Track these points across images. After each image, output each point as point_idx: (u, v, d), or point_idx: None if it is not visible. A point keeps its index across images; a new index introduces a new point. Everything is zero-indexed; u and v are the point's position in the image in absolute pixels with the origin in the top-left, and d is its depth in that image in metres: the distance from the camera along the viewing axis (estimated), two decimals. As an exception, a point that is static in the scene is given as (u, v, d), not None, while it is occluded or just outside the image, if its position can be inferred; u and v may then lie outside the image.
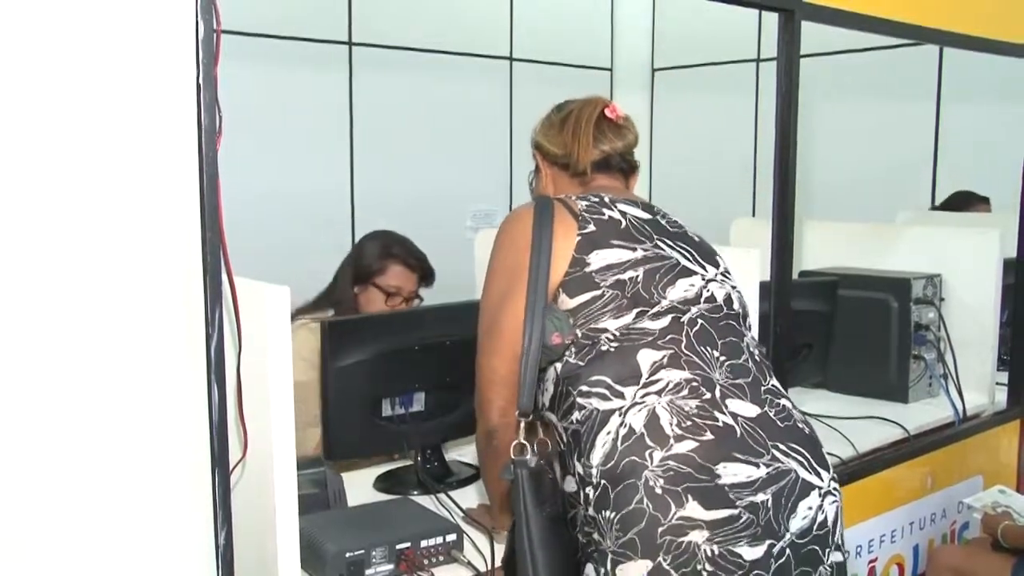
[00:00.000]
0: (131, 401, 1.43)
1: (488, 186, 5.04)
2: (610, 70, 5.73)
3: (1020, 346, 3.34)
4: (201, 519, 1.50)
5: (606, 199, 1.82)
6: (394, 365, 2.26)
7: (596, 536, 1.57)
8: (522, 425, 1.71)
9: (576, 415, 1.65)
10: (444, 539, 1.88)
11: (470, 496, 2.23)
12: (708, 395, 1.63)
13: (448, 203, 4.76)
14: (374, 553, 1.80)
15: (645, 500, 1.52)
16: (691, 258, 1.80)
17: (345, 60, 4.59)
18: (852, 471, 2.64)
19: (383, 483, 2.37)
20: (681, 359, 1.65)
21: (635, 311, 1.69)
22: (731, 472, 1.55)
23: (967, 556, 2.74)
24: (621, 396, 1.62)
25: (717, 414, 1.61)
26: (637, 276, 1.71)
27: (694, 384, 1.63)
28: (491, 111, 5.12)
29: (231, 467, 1.52)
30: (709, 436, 1.57)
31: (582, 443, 1.62)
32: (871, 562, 2.75)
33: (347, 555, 1.77)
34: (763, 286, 2.39)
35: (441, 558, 1.87)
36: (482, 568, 1.85)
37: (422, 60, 4.78)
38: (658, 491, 1.53)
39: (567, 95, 2.05)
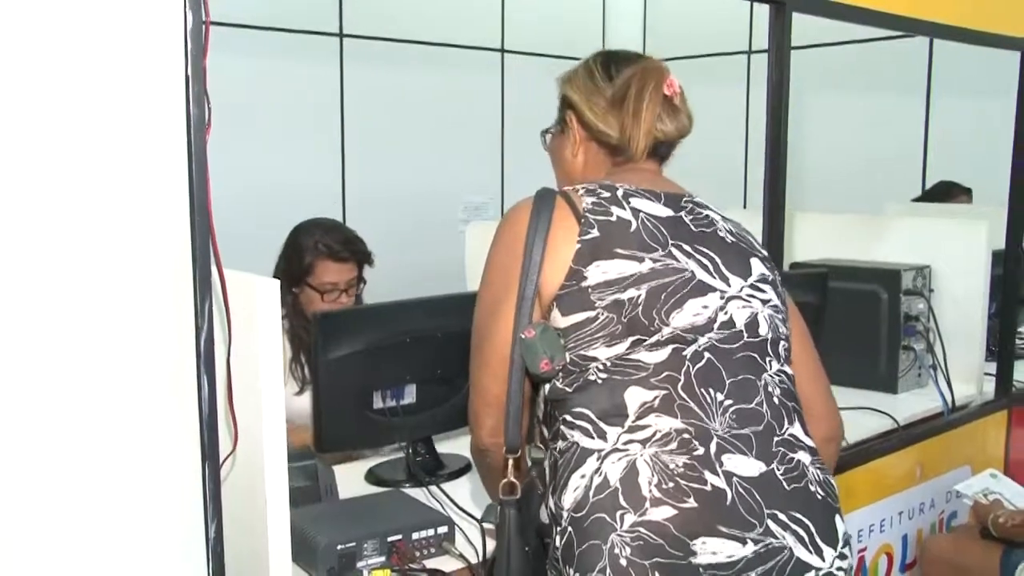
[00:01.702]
0: (120, 394, 1.42)
1: (480, 178, 5.03)
2: (602, 62, 5.72)
3: (1008, 337, 3.35)
4: (191, 512, 1.50)
5: (619, 193, 1.58)
6: (385, 357, 2.25)
7: None
8: (510, 462, 1.58)
9: (560, 443, 1.51)
10: (436, 531, 1.87)
11: (462, 488, 2.23)
12: (700, 450, 1.43)
13: (440, 195, 4.75)
14: (365, 545, 1.79)
15: (608, 570, 1.37)
16: (713, 269, 1.56)
17: (336, 52, 4.58)
18: (841, 461, 2.62)
19: (374, 476, 2.37)
20: (675, 403, 1.46)
21: (630, 339, 1.48)
22: (710, 549, 1.37)
23: (957, 546, 2.76)
24: (603, 436, 1.46)
25: (707, 475, 1.41)
26: (638, 296, 1.49)
27: (685, 436, 1.43)
28: (483, 103, 5.11)
29: (221, 460, 1.51)
30: (691, 503, 1.39)
31: (558, 477, 1.48)
32: (860, 552, 2.75)
33: (338, 547, 1.76)
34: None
35: (433, 550, 1.86)
36: (473, 560, 1.85)
37: (413, 52, 4.77)
38: (622, 562, 1.36)
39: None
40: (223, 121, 1.45)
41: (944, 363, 3.19)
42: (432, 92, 4.81)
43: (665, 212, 1.59)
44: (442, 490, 2.13)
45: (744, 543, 1.39)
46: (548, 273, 1.53)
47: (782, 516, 1.43)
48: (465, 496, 2.12)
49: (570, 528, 1.42)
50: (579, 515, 1.42)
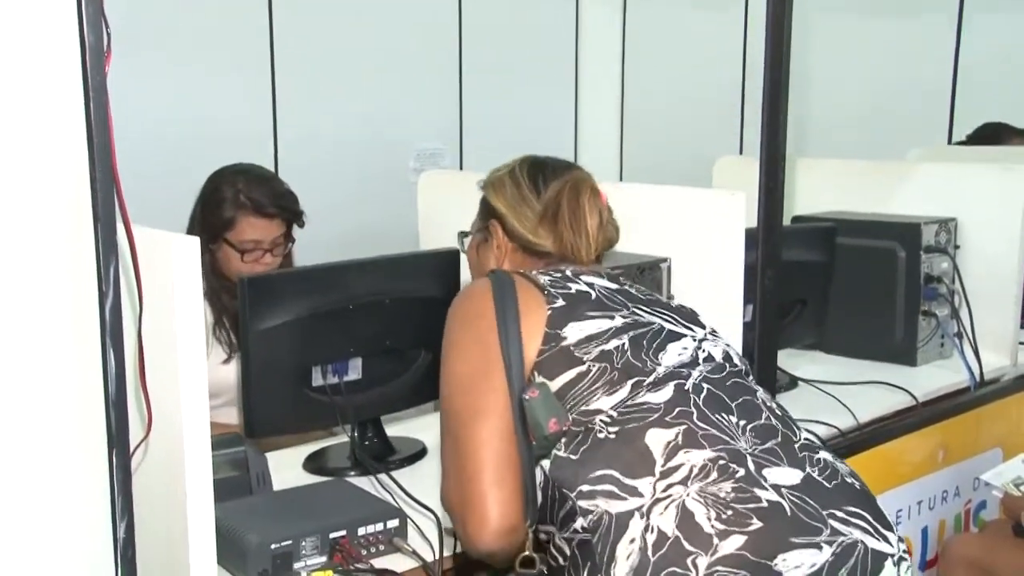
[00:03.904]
0: (11, 373, 1.41)
1: (435, 121, 5.01)
2: (577, -20, 5.69)
3: (1045, 300, 3.37)
4: (97, 509, 1.50)
5: (568, 272, 1.83)
6: (325, 327, 2.25)
7: None
8: (530, 537, 1.66)
9: (581, 522, 1.57)
10: (385, 525, 1.89)
11: (415, 476, 2.24)
12: (741, 471, 1.56)
13: (388, 141, 4.71)
14: (304, 543, 1.80)
15: None
16: (674, 321, 1.80)
17: (264, -31, 4.51)
18: (852, 443, 2.67)
19: (314, 463, 2.38)
20: (697, 435, 1.59)
21: (630, 382, 1.65)
22: (792, 564, 1.48)
23: (985, 545, 2.77)
24: (636, 492, 1.55)
25: (758, 492, 1.53)
26: (623, 344, 1.69)
27: (721, 463, 1.56)
28: (439, 33, 5.07)
29: (132, 448, 1.51)
30: (756, 524, 1.49)
31: (596, 556, 1.54)
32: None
33: (272, 547, 1.77)
34: (749, 234, 2.40)
35: (382, 547, 1.88)
36: (428, 558, 1.86)
37: (357, -28, 4.72)
38: None
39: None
40: (125, 49, 1.43)
41: (971, 331, 3.22)
42: (380, 19, 4.76)
43: (612, 285, 1.84)
44: (392, 478, 2.14)
45: (820, 548, 1.50)
46: (525, 340, 1.70)
47: (839, 513, 1.56)
48: (418, 485, 2.13)
49: None
50: None
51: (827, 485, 1.59)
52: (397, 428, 2.57)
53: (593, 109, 5.44)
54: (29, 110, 1.39)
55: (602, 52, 5.44)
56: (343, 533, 1.84)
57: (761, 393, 1.75)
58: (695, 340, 1.77)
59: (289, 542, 1.78)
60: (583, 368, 1.66)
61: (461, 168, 4.89)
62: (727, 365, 1.76)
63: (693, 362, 1.72)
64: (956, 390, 3.12)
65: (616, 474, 1.56)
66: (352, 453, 2.34)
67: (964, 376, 3.14)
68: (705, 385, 1.68)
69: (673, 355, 1.71)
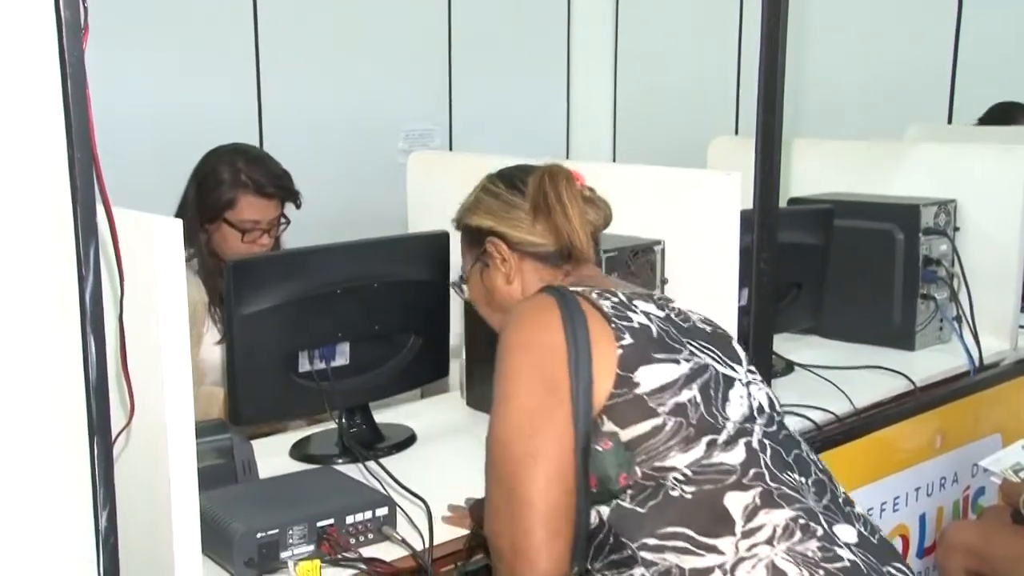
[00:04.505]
0: (-10, 358, 1.41)
1: (424, 101, 5.00)
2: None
3: (1047, 283, 3.38)
4: (78, 498, 1.49)
5: (621, 296, 1.74)
6: (313, 312, 2.25)
7: None
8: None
9: (642, 571, 1.58)
10: (374, 514, 1.89)
11: (404, 464, 2.24)
12: (820, 530, 1.58)
13: (376, 121, 4.70)
14: (291, 532, 1.80)
15: None
16: (720, 358, 1.74)
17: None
18: (848, 429, 2.68)
19: (301, 450, 2.38)
20: (773, 495, 1.60)
21: (704, 441, 1.61)
22: None
23: (983, 533, 2.78)
24: (715, 550, 1.55)
25: (837, 550, 1.56)
26: (695, 396, 1.63)
27: (802, 522, 1.57)
28: (427, 11, 5.05)
29: (114, 435, 1.50)
30: None
31: None
32: (871, 534, 2.80)
33: (258, 535, 1.77)
34: (745, 216, 2.40)
35: (370, 536, 1.88)
36: (418, 546, 1.86)
37: (344, -52, 4.69)
38: None
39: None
40: (104, 27, 1.42)
41: (970, 314, 3.23)
42: (368, -1, 4.75)
43: (660, 312, 1.76)
44: (381, 466, 2.14)
45: None
46: (595, 380, 1.62)
47: (893, 570, 1.59)
48: (407, 473, 2.13)
49: None
50: None
51: (874, 541, 1.63)
52: (386, 414, 2.57)
53: (586, 88, 5.43)
54: (3, 88, 1.38)
55: (595, 29, 5.43)
56: (331, 522, 1.84)
57: (804, 445, 1.75)
58: (743, 385, 1.72)
59: (276, 531, 1.78)
60: (658, 421, 1.60)
61: (451, 149, 4.88)
62: (774, 415, 1.74)
63: (751, 416, 1.69)
64: (955, 375, 3.13)
65: (691, 532, 1.56)
66: (340, 440, 2.34)
67: (963, 360, 3.15)
68: (767, 442, 1.67)
69: (736, 407, 1.67)
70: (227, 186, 2.74)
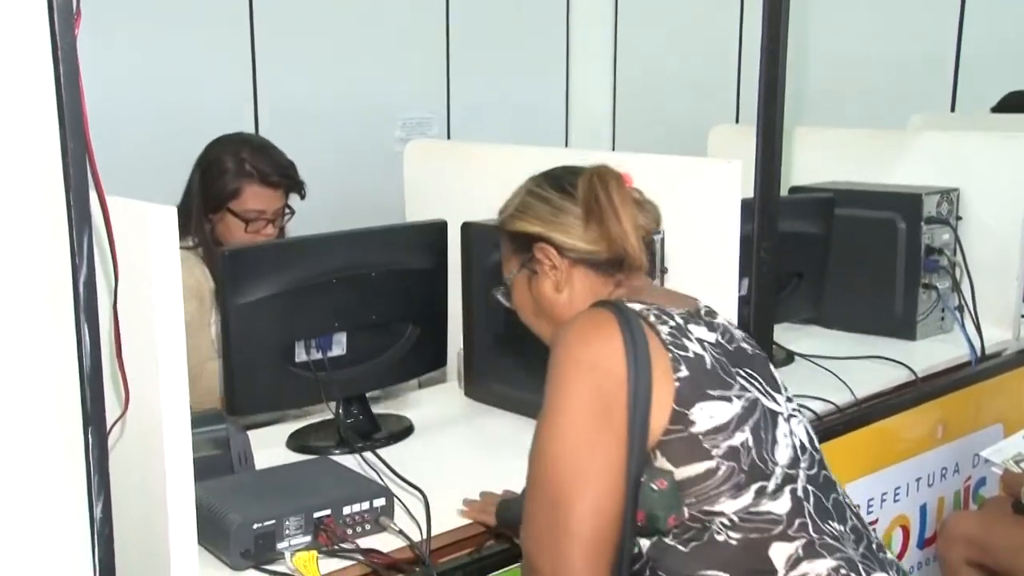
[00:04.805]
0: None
1: (421, 89, 4.99)
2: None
3: (1050, 272, 3.38)
4: (73, 488, 1.49)
5: (678, 319, 1.69)
6: (308, 301, 2.24)
7: None
8: None
9: None
10: (371, 504, 1.88)
11: (401, 454, 2.24)
12: None
13: (373, 109, 4.70)
14: (287, 523, 1.80)
15: None
16: (764, 390, 1.71)
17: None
18: (849, 419, 2.68)
19: (298, 441, 2.38)
20: (816, 545, 1.60)
21: (754, 488, 1.60)
22: None
23: (984, 524, 2.78)
24: None
25: None
26: (747, 440, 1.61)
27: (843, 571, 1.59)
28: (425, -2, 5.05)
29: (108, 425, 1.50)
30: None
31: None
32: (871, 524, 2.80)
33: (254, 526, 1.77)
34: (745, 205, 2.40)
35: (368, 526, 1.88)
36: (416, 537, 1.86)
37: (340, -66, 4.68)
38: None
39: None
40: (99, 14, 1.42)
41: (972, 304, 3.23)
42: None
43: (711, 335, 1.71)
44: (378, 456, 2.13)
45: None
46: (652, 412, 1.58)
47: None
48: (405, 463, 2.13)
49: None
50: None
51: None
52: (382, 405, 2.57)
53: (585, 75, 5.42)
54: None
55: (595, 16, 5.42)
56: (328, 512, 1.83)
57: (840, 487, 1.75)
58: (786, 420, 1.70)
59: (272, 522, 1.78)
60: (712, 465, 1.58)
61: (449, 137, 4.87)
62: (814, 453, 1.72)
63: (795, 458, 1.67)
64: (956, 365, 3.13)
65: None
66: (337, 431, 2.34)
67: (964, 350, 3.15)
68: (810, 488, 1.66)
69: (783, 450, 1.65)
70: (231, 175, 2.74)
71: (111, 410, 1.50)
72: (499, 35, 5.07)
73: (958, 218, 3.29)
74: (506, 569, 1.93)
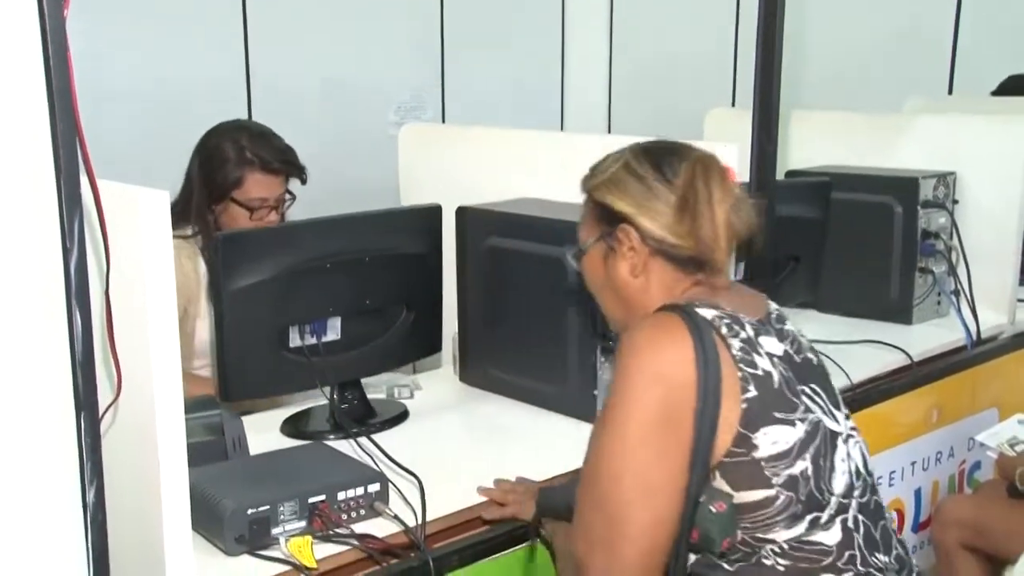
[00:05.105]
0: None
1: (416, 72, 4.98)
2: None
3: (1045, 256, 3.38)
4: (65, 474, 1.49)
5: (749, 330, 1.64)
6: (303, 286, 2.24)
7: None
8: None
9: None
10: (366, 489, 1.89)
11: (396, 439, 2.24)
12: None
13: (366, 93, 4.68)
14: (282, 508, 1.80)
15: None
16: (825, 409, 1.68)
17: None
18: (845, 403, 2.68)
19: (292, 426, 2.38)
20: None
21: (808, 519, 1.60)
22: None
23: (978, 507, 2.80)
24: None
25: None
26: (807, 469, 1.59)
27: None
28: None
29: (101, 411, 1.50)
30: None
31: None
32: (867, 509, 2.81)
33: (249, 512, 1.77)
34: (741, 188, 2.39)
35: (362, 512, 1.88)
36: (411, 522, 1.86)
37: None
38: None
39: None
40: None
41: (969, 288, 3.23)
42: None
43: (779, 348, 1.68)
44: (373, 441, 2.14)
45: None
46: (718, 431, 1.56)
47: None
48: (399, 448, 2.13)
49: None
50: None
51: None
52: (377, 390, 2.57)
53: (581, 57, 5.40)
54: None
55: (590, -1, 5.42)
56: (322, 498, 1.83)
57: (887, 514, 1.75)
58: (844, 443, 1.68)
59: (266, 507, 1.78)
60: (771, 493, 1.57)
61: (443, 121, 4.86)
62: (867, 478, 1.71)
63: (850, 485, 1.65)
64: (952, 349, 3.14)
65: None
66: (331, 416, 2.34)
67: (960, 334, 3.16)
68: (861, 518, 1.65)
69: (840, 476, 1.64)
70: (233, 165, 2.74)
71: (103, 395, 1.50)
72: (494, 17, 5.05)
73: (955, 202, 3.29)
74: (501, 554, 1.93)
